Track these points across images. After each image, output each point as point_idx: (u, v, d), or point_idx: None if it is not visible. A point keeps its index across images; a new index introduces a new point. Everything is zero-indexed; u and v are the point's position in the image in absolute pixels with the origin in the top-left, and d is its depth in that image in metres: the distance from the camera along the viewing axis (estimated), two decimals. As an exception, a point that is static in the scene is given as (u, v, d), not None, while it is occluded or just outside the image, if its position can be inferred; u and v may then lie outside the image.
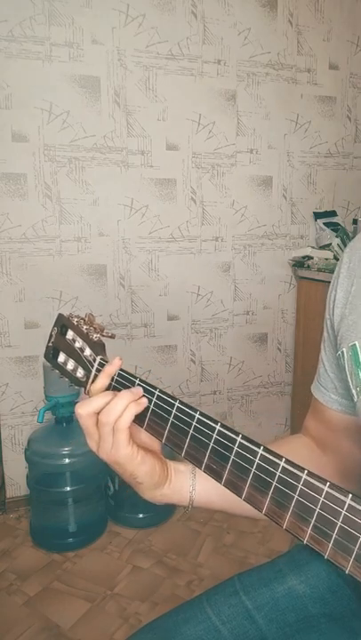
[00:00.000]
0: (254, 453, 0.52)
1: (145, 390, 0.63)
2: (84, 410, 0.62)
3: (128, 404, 0.61)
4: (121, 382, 0.66)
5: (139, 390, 0.63)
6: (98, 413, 0.62)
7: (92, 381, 0.69)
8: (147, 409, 0.62)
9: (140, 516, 2.00)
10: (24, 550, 1.86)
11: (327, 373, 0.71)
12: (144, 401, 0.62)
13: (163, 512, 2.04)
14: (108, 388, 0.67)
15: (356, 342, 0.61)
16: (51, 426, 1.89)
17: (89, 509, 1.90)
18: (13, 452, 2.08)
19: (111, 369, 0.66)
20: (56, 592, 1.65)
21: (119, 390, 0.64)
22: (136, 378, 0.65)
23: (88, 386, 0.70)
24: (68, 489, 1.84)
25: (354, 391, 0.61)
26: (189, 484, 0.66)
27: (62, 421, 1.86)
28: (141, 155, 2.03)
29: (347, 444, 0.71)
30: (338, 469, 0.73)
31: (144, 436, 0.65)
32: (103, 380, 0.66)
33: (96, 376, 0.69)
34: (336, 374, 0.70)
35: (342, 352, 0.63)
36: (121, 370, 0.66)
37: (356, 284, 0.64)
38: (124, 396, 0.61)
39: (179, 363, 2.25)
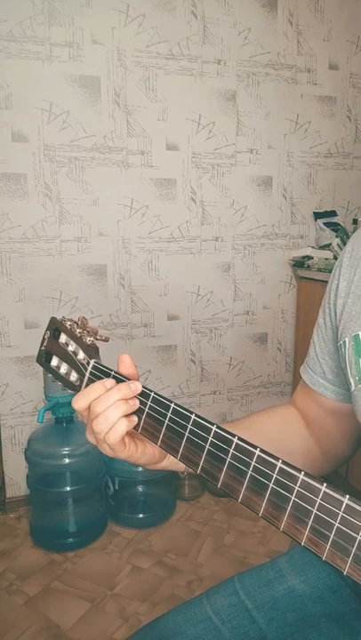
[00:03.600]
0: (251, 455, 0.52)
1: (140, 394, 0.63)
2: (78, 405, 0.63)
3: (119, 417, 0.60)
4: None
5: (136, 387, 0.62)
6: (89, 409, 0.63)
7: (87, 384, 0.69)
8: (142, 412, 0.62)
9: (140, 516, 2.01)
10: (24, 550, 1.86)
11: (317, 358, 0.73)
12: (135, 403, 0.62)
13: (163, 512, 2.05)
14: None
15: (360, 332, 0.61)
16: (51, 426, 1.89)
17: (89, 509, 1.90)
18: (13, 452, 2.08)
19: (95, 394, 0.63)
20: (56, 592, 1.65)
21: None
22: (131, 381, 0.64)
23: (82, 389, 0.70)
24: (68, 489, 1.84)
25: (352, 380, 0.61)
26: None
27: (62, 421, 1.86)
28: (141, 155, 2.03)
29: (330, 424, 0.73)
30: (321, 447, 0.75)
31: None
32: (83, 402, 0.64)
33: (90, 379, 0.68)
34: (326, 360, 0.71)
35: (344, 342, 0.63)
36: (116, 372, 0.66)
37: (359, 274, 0.64)
38: (117, 410, 0.60)
39: (179, 363, 2.25)
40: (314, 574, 0.71)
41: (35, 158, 1.91)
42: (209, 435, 0.56)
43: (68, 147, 1.94)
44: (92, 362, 0.69)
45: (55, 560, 1.80)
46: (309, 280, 2.22)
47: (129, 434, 0.63)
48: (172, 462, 0.67)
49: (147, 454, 0.64)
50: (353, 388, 0.61)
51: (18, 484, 2.11)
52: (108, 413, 0.60)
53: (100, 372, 0.67)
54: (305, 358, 0.77)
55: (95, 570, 1.75)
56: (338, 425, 0.73)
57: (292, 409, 0.79)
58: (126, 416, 0.61)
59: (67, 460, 1.81)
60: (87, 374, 0.69)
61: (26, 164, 1.90)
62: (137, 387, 0.62)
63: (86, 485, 1.87)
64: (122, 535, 1.94)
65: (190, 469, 0.60)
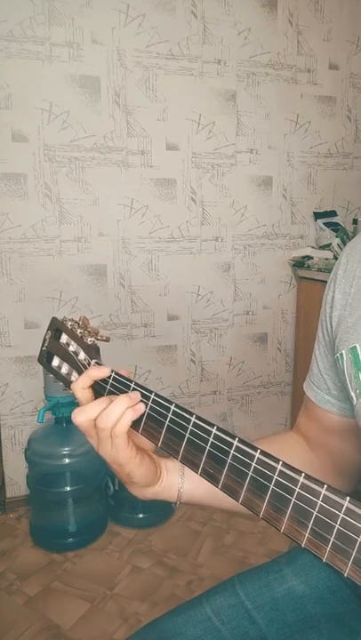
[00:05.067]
0: (251, 457, 0.52)
1: (141, 395, 0.62)
2: (80, 418, 0.62)
3: (125, 410, 0.60)
4: (116, 386, 0.65)
5: (136, 395, 0.62)
6: (95, 419, 0.61)
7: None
8: (142, 413, 0.62)
9: (140, 516, 2.00)
10: (24, 550, 1.86)
11: (321, 374, 0.71)
12: (141, 407, 0.61)
13: (163, 512, 2.05)
14: (102, 393, 0.66)
15: (357, 345, 0.60)
16: (51, 426, 1.89)
17: (89, 509, 1.90)
18: (13, 452, 2.09)
19: (97, 374, 0.65)
20: (56, 592, 1.65)
21: (114, 394, 0.64)
22: (131, 382, 0.64)
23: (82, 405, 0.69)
24: (68, 489, 1.84)
25: (353, 394, 0.60)
26: (178, 482, 0.66)
27: (62, 421, 1.86)
28: (141, 155, 2.03)
29: (336, 443, 0.72)
30: (325, 468, 0.73)
31: (140, 437, 0.65)
32: (85, 380, 0.65)
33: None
34: (330, 376, 0.69)
35: (341, 354, 0.63)
36: (116, 373, 0.66)
37: (356, 286, 0.63)
38: (121, 402, 0.60)
39: (179, 363, 2.25)
40: (314, 575, 0.71)
41: (35, 158, 1.91)
42: (209, 436, 0.56)
43: (68, 147, 1.94)
44: (93, 362, 0.69)
45: (55, 560, 1.80)
46: (309, 280, 2.22)
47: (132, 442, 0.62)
48: (164, 488, 0.66)
49: (144, 465, 0.63)
50: (355, 401, 0.60)
51: (18, 484, 2.11)
52: (112, 409, 0.60)
53: None
54: (307, 373, 0.74)
55: (95, 570, 1.75)
56: (344, 441, 0.71)
57: (294, 435, 0.77)
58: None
59: (67, 460, 1.81)
60: None
61: (26, 164, 1.90)
62: (136, 395, 0.62)
63: (86, 485, 1.87)
64: (122, 535, 1.94)
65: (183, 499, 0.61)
